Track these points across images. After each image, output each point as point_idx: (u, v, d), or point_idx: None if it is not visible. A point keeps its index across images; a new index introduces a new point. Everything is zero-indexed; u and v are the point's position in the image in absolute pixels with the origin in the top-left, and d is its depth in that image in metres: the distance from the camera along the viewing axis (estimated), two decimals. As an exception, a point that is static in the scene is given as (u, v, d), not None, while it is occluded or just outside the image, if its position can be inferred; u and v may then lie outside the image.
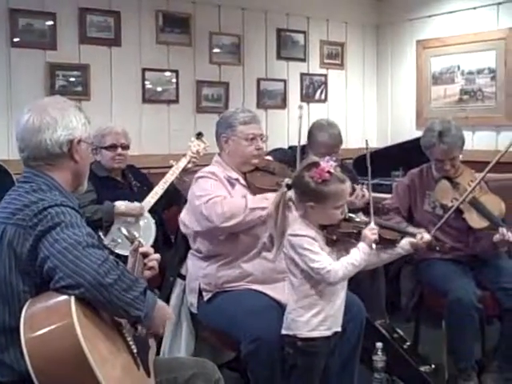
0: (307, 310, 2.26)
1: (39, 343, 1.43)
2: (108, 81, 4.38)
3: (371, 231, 2.23)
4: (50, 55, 4.12)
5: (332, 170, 2.22)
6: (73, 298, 1.51)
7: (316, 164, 2.24)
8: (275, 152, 3.77)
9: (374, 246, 2.22)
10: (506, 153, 3.08)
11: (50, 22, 4.11)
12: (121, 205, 3.29)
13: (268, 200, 2.52)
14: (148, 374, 1.76)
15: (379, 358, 3.13)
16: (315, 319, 2.25)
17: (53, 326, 1.45)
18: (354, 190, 2.95)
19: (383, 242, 2.34)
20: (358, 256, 2.20)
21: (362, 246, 2.22)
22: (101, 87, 4.32)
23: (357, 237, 2.28)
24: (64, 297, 1.52)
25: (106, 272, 1.54)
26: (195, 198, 2.66)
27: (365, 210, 3.08)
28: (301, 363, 2.28)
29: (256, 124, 2.82)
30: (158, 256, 2.03)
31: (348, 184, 2.28)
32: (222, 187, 2.68)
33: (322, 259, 2.19)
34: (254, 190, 2.74)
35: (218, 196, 2.60)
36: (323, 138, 3.48)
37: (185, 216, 2.78)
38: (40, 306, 1.51)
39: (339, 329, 2.34)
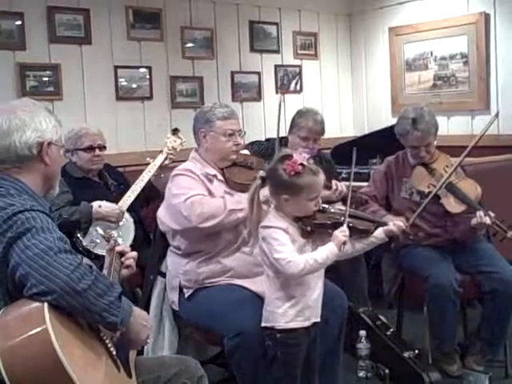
0: (283, 301, 2.26)
1: (13, 353, 1.40)
2: (80, 80, 4.33)
3: (342, 233, 2.21)
4: (19, 56, 4.06)
5: (305, 162, 2.22)
6: (46, 305, 1.48)
7: (289, 156, 2.24)
8: (252, 145, 3.77)
9: (342, 247, 2.21)
10: (479, 139, 3.12)
11: (18, 22, 4.05)
12: (98, 206, 3.26)
13: (243, 203, 2.50)
14: (129, 376, 1.75)
15: (363, 346, 3.16)
16: (292, 310, 2.26)
17: (26, 335, 1.42)
18: (330, 187, 2.96)
19: (357, 233, 2.35)
20: (324, 254, 2.19)
21: (330, 245, 2.21)
22: (73, 86, 4.28)
23: (331, 228, 2.28)
24: (37, 304, 1.48)
25: (79, 278, 1.51)
26: (172, 197, 2.64)
27: (343, 200, 3.10)
28: (281, 355, 2.28)
29: (234, 119, 2.80)
30: (134, 254, 2.02)
31: (321, 176, 2.27)
32: (200, 184, 2.66)
33: (286, 250, 2.18)
34: (232, 185, 2.73)
35: (197, 195, 2.58)
36: (307, 122, 3.47)
37: (162, 213, 2.76)
38: (13, 315, 1.48)
39: (318, 319, 2.34)
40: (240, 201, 2.55)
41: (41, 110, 1.79)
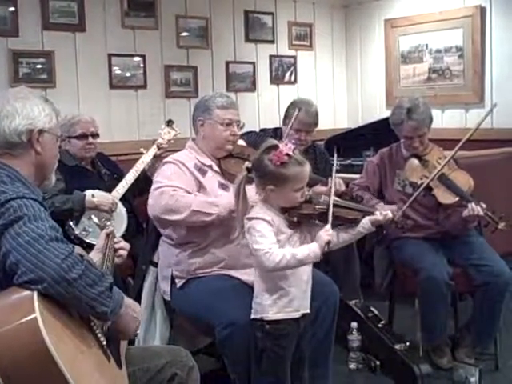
0: (271, 292, 2.26)
1: (1, 341, 1.39)
2: (73, 67, 4.29)
3: (326, 232, 2.17)
4: (12, 42, 4.02)
5: (291, 153, 2.21)
6: (35, 294, 1.46)
7: (275, 147, 2.23)
8: (246, 135, 3.75)
9: (326, 247, 2.16)
10: (475, 130, 3.12)
11: (12, 8, 4.01)
12: (91, 195, 3.25)
13: (218, 207, 2.51)
14: (119, 366, 1.74)
15: (354, 338, 3.17)
16: (280, 301, 2.26)
17: (15, 323, 1.40)
18: (326, 183, 2.96)
19: (345, 222, 2.34)
20: (305, 252, 2.16)
21: (313, 245, 2.18)
22: (66, 74, 4.24)
23: (317, 218, 2.28)
24: (27, 292, 1.47)
25: (69, 267, 1.50)
26: (153, 184, 2.67)
27: (339, 196, 3.10)
28: (270, 346, 2.28)
29: (234, 110, 2.79)
30: (127, 246, 2.03)
31: (307, 166, 2.26)
32: (186, 177, 2.65)
33: (265, 242, 2.17)
34: (228, 176, 2.71)
35: (170, 186, 2.57)
36: (300, 114, 3.47)
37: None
38: (2, 303, 1.47)
39: (307, 310, 2.34)
40: (215, 204, 2.53)
41: (35, 97, 1.78)
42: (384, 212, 2.37)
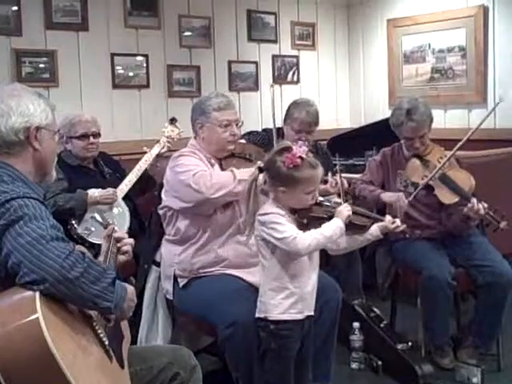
0: (277, 292, 2.26)
1: (3, 342, 1.39)
2: (76, 67, 4.29)
3: (345, 208, 2.27)
4: (15, 41, 4.01)
5: (304, 156, 2.21)
6: (37, 294, 1.46)
7: (288, 149, 2.23)
8: (249, 135, 3.75)
9: (347, 221, 2.24)
10: (477, 130, 3.12)
11: (15, 8, 4.00)
12: (94, 193, 3.26)
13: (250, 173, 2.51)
14: (122, 366, 1.73)
15: (357, 338, 3.17)
16: (286, 302, 2.26)
17: (17, 324, 1.40)
18: (326, 181, 2.96)
19: (354, 228, 2.35)
20: (330, 228, 2.21)
21: (336, 220, 2.24)
22: (69, 73, 4.24)
23: (327, 221, 2.28)
24: (29, 293, 1.47)
25: (71, 266, 1.50)
26: (178, 175, 2.63)
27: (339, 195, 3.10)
28: (274, 346, 2.28)
29: (231, 110, 2.78)
30: (131, 240, 2.01)
31: (320, 169, 2.27)
32: (203, 165, 2.67)
33: (288, 229, 2.20)
34: None
35: (204, 170, 2.60)
36: (300, 114, 3.47)
37: (166, 199, 2.73)
38: (4, 303, 1.47)
39: (312, 313, 2.34)
40: (247, 172, 2.53)
41: (29, 94, 1.76)
42: (392, 219, 2.38)
